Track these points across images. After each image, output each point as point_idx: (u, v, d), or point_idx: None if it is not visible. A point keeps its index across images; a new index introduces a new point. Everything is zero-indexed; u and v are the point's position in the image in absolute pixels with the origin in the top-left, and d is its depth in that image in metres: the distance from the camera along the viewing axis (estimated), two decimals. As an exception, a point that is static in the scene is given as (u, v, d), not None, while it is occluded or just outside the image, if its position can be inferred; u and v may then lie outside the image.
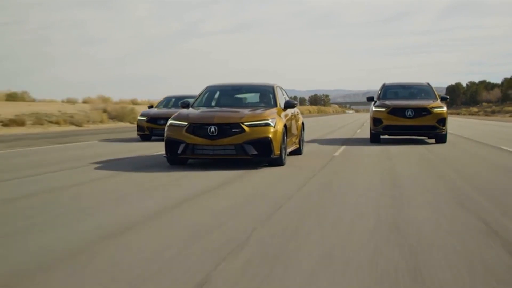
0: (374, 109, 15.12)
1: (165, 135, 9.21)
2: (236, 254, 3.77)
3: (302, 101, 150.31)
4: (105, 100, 42.76)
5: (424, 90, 16.17)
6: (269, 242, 4.11)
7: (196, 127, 8.96)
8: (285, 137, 9.46)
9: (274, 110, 9.63)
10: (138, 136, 17.50)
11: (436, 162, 10.03)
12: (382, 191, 6.58)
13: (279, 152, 9.03)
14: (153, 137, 17.07)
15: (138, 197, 6.28)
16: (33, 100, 40.54)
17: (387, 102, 15.03)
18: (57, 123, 27.10)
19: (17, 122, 24.89)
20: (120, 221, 4.90)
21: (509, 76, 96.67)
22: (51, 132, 23.10)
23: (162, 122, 16.53)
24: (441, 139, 14.58)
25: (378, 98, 15.72)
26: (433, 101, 15.01)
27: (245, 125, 8.87)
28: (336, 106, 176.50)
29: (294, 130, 10.64)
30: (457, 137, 17.47)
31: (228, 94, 10.91)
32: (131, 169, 8.92)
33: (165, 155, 9.26)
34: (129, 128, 25.80)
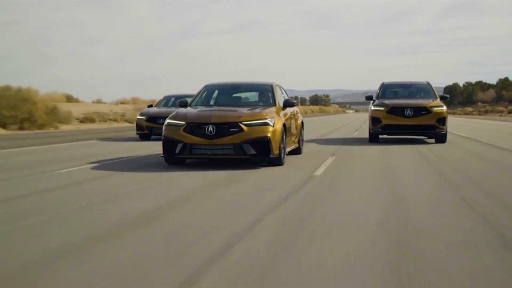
0: (373, 108, 14.85)
1: (162, 134, 9.05)
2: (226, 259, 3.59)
3: (303, 101, 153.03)
4: (135, 100, 46.05)
5: (424, 89, 15.88)
6: (257, 252, 3.91)
7: (194, 126, 8.78)
8: (284, 137, 9.28)
9: (273, 109, 9.45)
10: (138, 136, 17.35)
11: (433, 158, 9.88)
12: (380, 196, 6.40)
13: (278, 151, 8.85)
14: (152, 137, 16.89)
15: (132, 198, 6.11)
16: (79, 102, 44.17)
17: (386, 101, 14.75)
18: (115, 120, 32.18)
19: (89, 119, 29.57)
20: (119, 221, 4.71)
21: (508, 76, 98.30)
22: (119, 127, 27.93)
23: (161, 121, 16.30)
24: (441, 138, 14.29)
25: (377, 97, 15.43)
26: (433, 100, 14.73)
27: (244, 124, 8.69)
28: (337, 106, 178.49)
29: (293, 130, 10.45)
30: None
31: (226, 93, 10.73)
32: (128, 169, 8.76)
33: (162, 155, 9.09)
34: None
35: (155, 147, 12.77)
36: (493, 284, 3.09)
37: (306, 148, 12.21)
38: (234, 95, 10.87)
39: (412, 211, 5.19)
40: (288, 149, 9.86)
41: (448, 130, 14.67)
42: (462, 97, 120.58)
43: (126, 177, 7.85)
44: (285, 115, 9.77)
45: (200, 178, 7.58)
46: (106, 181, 7.49)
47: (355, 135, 19.53)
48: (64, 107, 28.26)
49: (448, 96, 16.22)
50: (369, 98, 15.65)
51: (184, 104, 10.02)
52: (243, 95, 11.02)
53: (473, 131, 22.55)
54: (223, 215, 5.05)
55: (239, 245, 3.90)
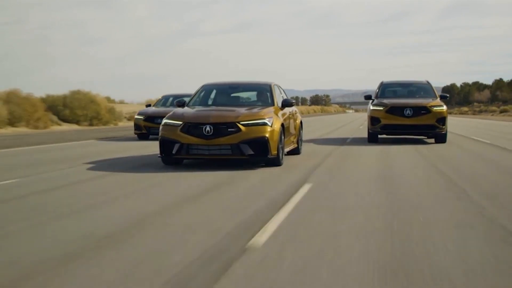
0: (372, 107, 14.60)
1: (159, 134, 8.94)
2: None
3: (303, 101, 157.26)
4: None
5: (423, 88, 15.62)
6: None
7: (191, 126, 8.65)
8: (283, 137, 9.15)
9: (271, 109, 9.32)
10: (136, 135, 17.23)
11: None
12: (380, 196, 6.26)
13: (276, 152, 8.72)
14: (150, 136, 16.76)
15: (128, 199, 5.98)
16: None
17: (385, 101, 14.52)
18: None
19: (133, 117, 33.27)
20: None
21: (509, 77, 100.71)
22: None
23: (159, 121, 16.13)
24: (441, 138, 14.06)
25: (376, 97, 15.19)
26: (433, 99, 14.51)
27: (241, 124, 8.56)
28: (337, 106, 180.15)
29: (292, 130, 10.32)
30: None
31: (224, 93, 10.59)
32: (125, 169, 8.65)
33: (159, 155, 8.96)
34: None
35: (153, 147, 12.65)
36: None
37: (309, 146, 12.06)
38: (232, 95, 10.74)
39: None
40: (286, 150, 9.73)
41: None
42: (459, 97, 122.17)
43: (126, 178, 7.74)
44: (283, 115, 9.65)
45: (196, 180, 7.44)
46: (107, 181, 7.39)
47: (361, 127, 19.94)
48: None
49: (448, 95, 16.03)
50: (368, 97, 15.44)
51: (182, 104, 9.89)
52: (241, 95, 10.90)
53: (462, 127, 24.71)
54: (222, 218, 4.91)
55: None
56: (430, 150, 12.14)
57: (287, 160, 9.47)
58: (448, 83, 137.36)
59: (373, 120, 14.34)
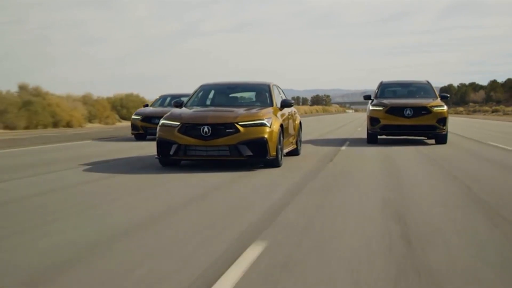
0: (371, 108, 14.43)
1: (157, 135, 8.88)
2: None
3: (304, 101, 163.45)
4: None
5: (424, 88, 15.48)
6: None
7: (189, 127, 8.59)
8: (282, 138, 9.09)
9: (270, 109, 9.27)
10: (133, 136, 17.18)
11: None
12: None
13: (275, 153, 8.66)
14: (148, 137, 16.72)
15: (126, 202, 5.92)
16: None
17: (385, 101, 14.37)
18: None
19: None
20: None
21: (507, 76, 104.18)
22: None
23: (156, 121, 16.10)
24: (442, 139, 13.91)
25: (376, 97, 15.04)
26: (433, 99, 14.36)
27: (240, 125, 8.50)
28: (337, 106, 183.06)
29: (291, 130, 10.26)
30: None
31: (222, 93, 10.53)
32: (123, 171, 8.59)
33: (156, 156, 8.91)
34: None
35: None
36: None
37: (311, 145, 12.03)
38: (230, 95, 10.68)
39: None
40: (285, 150, 9.69)
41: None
42: (456, 97, 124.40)
43: (118, 179, 7.69)
44: (282, 115, 9.59)
45: (193, 182, 7.38)
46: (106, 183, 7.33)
47: (359, 129, 20.13)
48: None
49: (448, 95, 15.84)
50: (367, 97, 15.27)
51: (179, 104, 9.83)
52: (239, 95, 10.84)
53: (455, 125, 26.02)
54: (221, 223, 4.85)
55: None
56: (432, 151, 12.09)
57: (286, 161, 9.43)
58: (449, 83, 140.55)
59: (373, 120, 14.19)
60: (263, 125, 8.59)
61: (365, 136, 15.21)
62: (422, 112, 13.73)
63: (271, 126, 8.67)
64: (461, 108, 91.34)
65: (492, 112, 68.87)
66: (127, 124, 27.63)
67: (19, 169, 8.93)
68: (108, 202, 5.91)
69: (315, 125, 28.49)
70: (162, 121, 8.97)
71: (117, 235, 4.34)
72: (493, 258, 3.64)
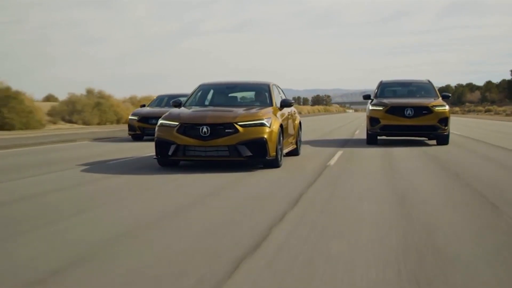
0: (371, 108, 14.25)
1: (155, 135, 8.96)
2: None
3: (305, 101, 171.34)
4: None
5: (424, 88, 15.33)
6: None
7: (188, 127, 8.67)
8: (281, 138, 9.17)
9: (269, 109, 9.35)
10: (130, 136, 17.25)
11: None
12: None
13: (274, 153, 8.74)
14: (145, 137, 16.78)
15: (125, 203, 6.01)
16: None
17: (385, 101, 14.19)
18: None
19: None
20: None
21: (507, 76, 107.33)
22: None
23: (154, 121, 16.27)
24: (443, 140, 13.77)
25: (375, 96, 14.86)
26: (434, 99, 14.22)
27: (239, 125, 8.58)
28: (338, 106, 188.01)
29: (290, 130, 10.35)
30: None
31: (222, 93, 10.61)
32: (121, 172, 8.68)
33: (155, 157, 8.99)
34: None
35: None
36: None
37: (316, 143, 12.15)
38: (229, 95, 10.75)
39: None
40: (285, 151, 9.77)
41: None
42: (453, 97, 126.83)
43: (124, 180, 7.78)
44: (282, 115, 9.67)
45: (190, 184, 7.45)
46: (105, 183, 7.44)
47: (357, 132, 20.28)
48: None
49: (450, 95, 15.57)
50: (366, 97, 15.11)
51: (178, 104, 9.92)
52: (239, 95, 10.91)
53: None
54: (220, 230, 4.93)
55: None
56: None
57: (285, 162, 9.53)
58: (448, 83, 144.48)
59: (372, 120, 14.02)
60: (263, 125, 8.67)
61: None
62: (423, 112, 13.58)
63: (271, 126, 8.74)
64: (457, 108, 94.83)
65: (485, 112, 72.82)
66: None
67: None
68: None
69: (321, 123, 31.91)
70: (160, 121, 9.04)
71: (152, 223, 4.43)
72: None
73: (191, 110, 9.42)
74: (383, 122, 13.80)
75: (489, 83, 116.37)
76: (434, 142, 14.30)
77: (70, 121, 28.93)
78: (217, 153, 8.58)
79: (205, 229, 4.58)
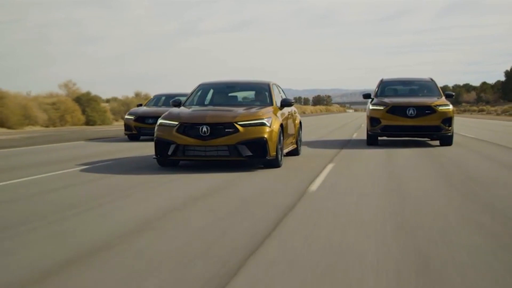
0: (371, 107, 13.97)
1: (155, 135, 9.11)
2: None
3: (306, 101, 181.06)
4: None
5: (427, 86, 15.02)
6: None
7: (187, 127, 8.83)
8: (282, 138, 9.33)
9: (270, 109, 9.51)
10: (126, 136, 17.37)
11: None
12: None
13: (275, 153, 8.90)
14: (141, 137, 16.94)
15: (124, 203, 6.18)
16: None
17: (386, 100, 13.91)
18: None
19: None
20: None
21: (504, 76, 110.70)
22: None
23: (150, 121, 16.48)
24: (447, 140, 13.49)
25: (376, 95, 14.57)
26: (438, 98, 13.93)
27: (239, 124, 8.73)
28: (338, 105, 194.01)
29: (291, 130, 10.53)
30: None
31: (221, 92, 10.79)
32: (121, 172, 8.84)
33: (154, 157, 9.16)
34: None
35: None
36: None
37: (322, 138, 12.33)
38: (229, 94, 10.92)
39: None
40: (285, 151, 9.93)
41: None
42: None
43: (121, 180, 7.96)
44: (282, 115, 9.83)
45: (189, 184, 7.56)
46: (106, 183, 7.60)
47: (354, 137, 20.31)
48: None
49: (453, 94, 15.31)
50: (366, 96, 14.89)
51: (178, 104, 10.08)
52: (239, 94, 11.07)
53: None
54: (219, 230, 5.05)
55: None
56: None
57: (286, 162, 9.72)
58: (447, 83, 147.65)
59: (373, 120, 13.76)
60: (263, 124, 8.82)
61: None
62: (426, 111, 13.31)
63: (271, 126, 8.90)
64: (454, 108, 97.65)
65: (478, 111, 76.68)
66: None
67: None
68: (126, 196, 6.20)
69: (330, 120, 36.94)
70: (160, 121, 9.20)
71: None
72: None
73: (190, 109, 9.58)
74: (384, 122, 13.54)
75: (484, 84, 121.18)
76: (437, 142, 14.15)
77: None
78: (217, 153, 8.73)
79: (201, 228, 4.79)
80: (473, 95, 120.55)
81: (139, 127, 16.86)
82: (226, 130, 8.71)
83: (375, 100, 14.20)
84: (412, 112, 13.30)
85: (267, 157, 8.79)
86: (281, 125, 9.37)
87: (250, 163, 9.13)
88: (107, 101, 45.73)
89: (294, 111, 11.32)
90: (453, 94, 15.21)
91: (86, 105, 31.21)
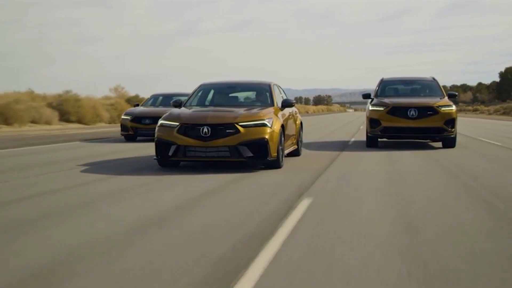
0: (370, 108, 13.77)
1: (155, 136, 9.30)
2: None
3: (306, 101, 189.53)
4: None
5: (429, 86, 14.83)
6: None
7: (188, 127, 9.01)
8: (283, 138, 9.52)
9: (270, 109, 9.70)
10: (122, 137, 17.46)
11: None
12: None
13: (276, 154, 9.08)
14: (138, 138, 17.08)
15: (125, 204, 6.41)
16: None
17: (386, 100, 13.73)
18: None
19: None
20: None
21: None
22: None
23: (147, 121, 16.62)
24: (449, 142, 13.33)
25: (376, 95, 14.41)
26: (440, 98, 13.76)
27: (240, 125, 8.92)
28: (338, 105, 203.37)
29: (292, 131, 10.74)
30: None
31: (222, 93, 11.01)
32: (121, 172, 9.03)
33: (155, 157, 9.36)
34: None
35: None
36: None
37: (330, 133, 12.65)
38: (230, 94, 11.14)
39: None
40: (286, 151, 10.11)
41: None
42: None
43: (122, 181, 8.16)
44: (283, 115, 10.02)
45: (189, 185, 7.70)
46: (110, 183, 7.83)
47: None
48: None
49: (456, 93, 15.18)
50: (366, 96, 14.73)
51: (178, 104, 10.28)
52: (239, 94, 11.28)
53: None
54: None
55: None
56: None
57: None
58: (449, 82, 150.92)
59: (372, 122, 13.58)
60: (264, 125, 9.01)
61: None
62: (428, 112, 13.12)
63: (272, 127, 9.09)
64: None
65: (473, 111, 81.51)
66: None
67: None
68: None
69: (333, 119, 41.81)
70: (160, 121, 9.39)
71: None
72: None
73: (191, 110, 9.78)
74: (384, 123, 13.35)
75: (480, 84, 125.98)
76: (439, 144, 14.03)
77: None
78: (218, 154, 8.92)
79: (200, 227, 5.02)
80: (469, 95, 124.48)
81: (136, 128, 16.94)
82: (227, 130, 8.89)
83: (375, 101, 14.05)
84: (414, 113, 13.11)
85: (268, 158, 8.97)
86: (282, 126, 9.55)
87: (251, 164, 9.31)
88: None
89: (295, 111, 11.54)
90: (456, 94, 15.03)
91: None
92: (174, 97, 16.77)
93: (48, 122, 28.45)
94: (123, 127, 17.36)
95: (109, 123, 34.22)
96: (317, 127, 28.90)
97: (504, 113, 60.02)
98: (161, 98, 18.77)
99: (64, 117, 30.69)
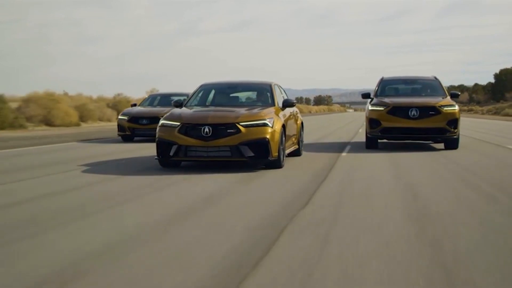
0: (370, 108, 13.65)
1: (156, 136, 9.53)
2: None
3: (307, 101, 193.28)
4: None
5: (431, 86, 14.72)
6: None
7: (189, 127, 9.24)
8: (283, 138, 9.77)
9: (271, 109, 9.94)
10: (120, 137, 17.57)
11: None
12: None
13: (277, 154, 9.32)
14: (135, 138, 17.26)
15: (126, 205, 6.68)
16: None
17: (386, 100, 13.61)
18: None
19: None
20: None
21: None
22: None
23: (144, 121, 16.77)
24: (452, 144, 13.24)
25: (376, 95, 14.31)
26: (442, 98, 13.63)
27: (241, 125, 9.15)
28: (339, 105, 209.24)
29: (293, 131, 11.00)
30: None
31: (223, 93, 11.26)
32: (122, 172, 9.25)
33: (156, 157, 9.61)
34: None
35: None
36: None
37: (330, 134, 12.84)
38: (231, 94, 11.41)
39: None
40: (287, 151, 10.35)
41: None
42: None
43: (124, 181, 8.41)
44: (284, 115, 10.26)
45: (189, 186, 7.87)
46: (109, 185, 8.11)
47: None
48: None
49: (459, 93, 15.06)
50: (366, 96, 14.62)
51: (179, 104, 10.51)
52: (240, 94, 11.54)
53: None
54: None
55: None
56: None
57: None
58: (448, 83, 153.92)
59: (372, 122, 13.46)
60: (265, 125, 9.26)
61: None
62: (430, 112, 13.00)
63: (273, 126, 9.33)
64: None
65: (468, 111, 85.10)
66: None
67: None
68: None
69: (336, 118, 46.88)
70: (162, 121, 9.63)
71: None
72: None
73: (192, 110, 10.03)
74: (384, 124, 13.24)
75: (476, 85, 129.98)
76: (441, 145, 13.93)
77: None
78: (219, 154, 9.17)
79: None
80: (465, 95, 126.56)
81: (133, 128, 17.07)
82: (228, 130, 9.13)
83: (374, 100, 13.94)
84: (415, 113, 12.98)
85: (269, 158, 9.21)
86: (283, 126, 9.79)
87: (252, 163, 9.53)
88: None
89: (296, 111, 11.79)
90: (459, 93, 14.92)
91: None
92: (171, 97, 17.01)
93: (109, 119, 35.24)
94: (120, 128, 17.43)
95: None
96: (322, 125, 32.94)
97: (495, 113, 66.26)
98: (158, 98, 18.93)
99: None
